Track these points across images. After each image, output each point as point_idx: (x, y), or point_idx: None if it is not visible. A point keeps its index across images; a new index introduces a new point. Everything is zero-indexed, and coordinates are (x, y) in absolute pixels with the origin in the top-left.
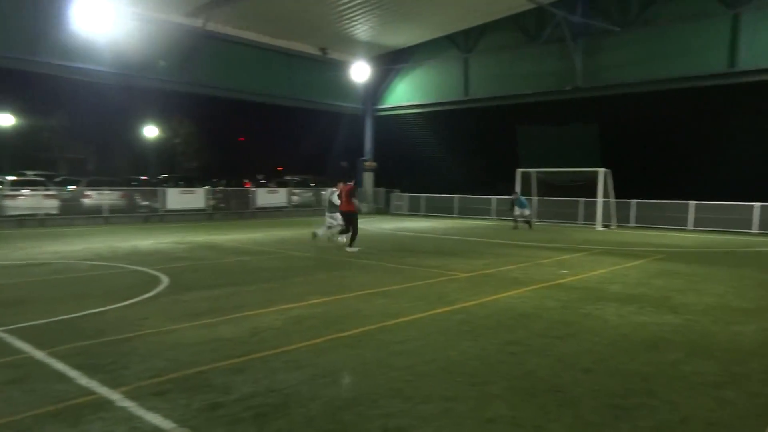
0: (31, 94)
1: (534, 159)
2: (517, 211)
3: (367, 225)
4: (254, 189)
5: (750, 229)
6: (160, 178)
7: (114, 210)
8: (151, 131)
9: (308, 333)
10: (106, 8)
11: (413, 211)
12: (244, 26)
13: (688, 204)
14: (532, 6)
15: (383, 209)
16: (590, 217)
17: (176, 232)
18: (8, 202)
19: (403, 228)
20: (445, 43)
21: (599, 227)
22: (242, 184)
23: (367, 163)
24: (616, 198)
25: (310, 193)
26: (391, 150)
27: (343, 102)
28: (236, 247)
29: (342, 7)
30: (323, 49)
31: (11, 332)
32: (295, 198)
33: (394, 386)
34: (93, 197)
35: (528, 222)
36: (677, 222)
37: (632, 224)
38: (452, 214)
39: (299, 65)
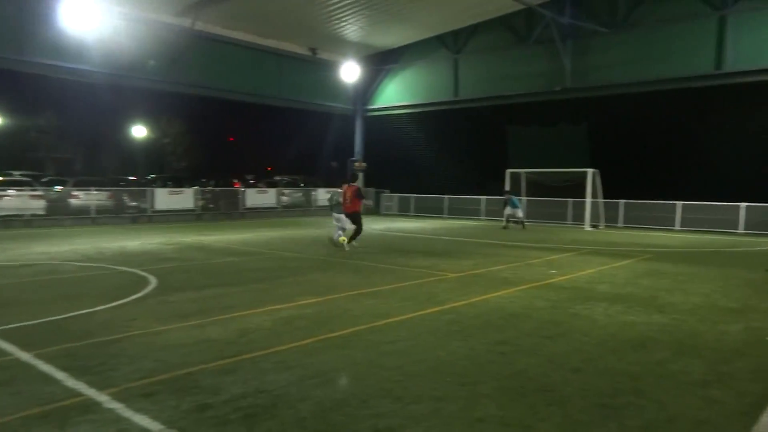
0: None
1: (523, 159)
2: (509, 210)
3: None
4: (243, 189)
5: (736, 229)
6: (148, 178)
7: (101, 210)
8: (139, 131)
9: (298, 334)
10: (94, 8)
11: (403, 212)
12: (233, 26)
13: (675, 204)
14: (521, 7)
15: (373, 209)
16: (579, 218)
17: (164, 233)
18: None
19: (393, 228)
20: (435, 43)
21: (588, 227)
22: (231, 185)
23: (357, 164)
24: (605, 198)
25: (300, 194)
26: (381, 150)
27: (333, 102)
28: (225, 247)
29: (332, 7)
30: (313, 50)
31: None
32: (284, 198)
33: (384, 386)
34: (80, 197)
35: (521, 222)
36: (665, 222)
37: (620, 224)
38: (442, 214)
39: (289, 65)
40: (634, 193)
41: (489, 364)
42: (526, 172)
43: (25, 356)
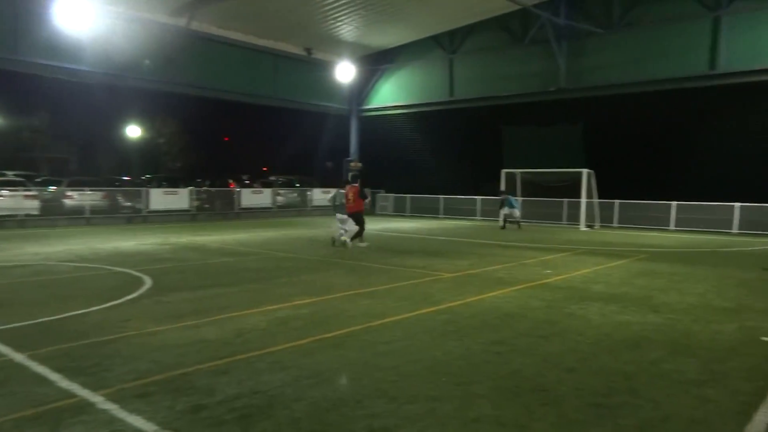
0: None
1: (519, 159)
2: (506, 210)
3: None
4: (239, 189)
5: (731, 229)
6: (143, 178)
7: (96, 211)
8: (134, 131)
9: (293, 334)
10: (88, 7)
11: (399, 212)
12: (228, 26)
13: (670, 204)
14: (516, 8)
15: (369, 210)
16: (574, 218)
17: (159, 233)
18: None
19: (389, 228)
20: (431, 43)
21: (583, 227)
22: (227, 185)
23: (352, 164)
24: (600, 198)
25: (296, 194)
26: (377, 150)
27: (328, 102)
28: (220, 248)
29: (327, 8)
30: (308, 50)
31: None
32: (280, 198)
33: (380, 387)
34: (74, 198)
35: (516, 222)
36: (659, 222)
37: (615, 224)
38: (438, 214)
39: (284, 65)
40: (629, 194)
41: (484, 364)
42: (521, 173)
43: (18, 357)
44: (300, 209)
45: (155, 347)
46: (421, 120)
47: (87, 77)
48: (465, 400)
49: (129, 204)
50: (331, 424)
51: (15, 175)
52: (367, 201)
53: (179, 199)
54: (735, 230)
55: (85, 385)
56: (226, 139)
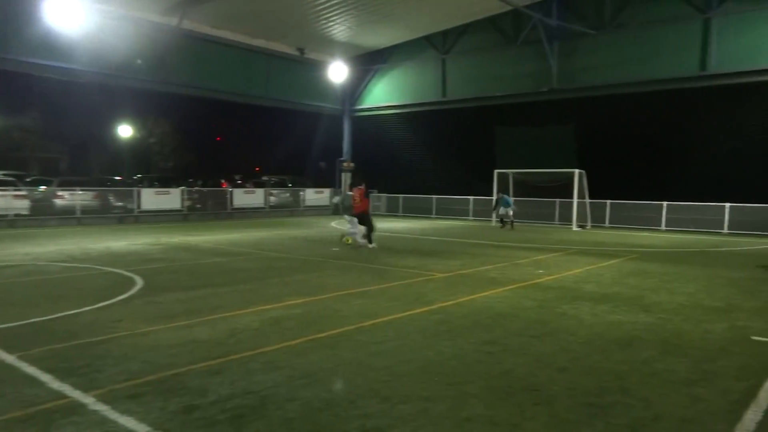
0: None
1: (511, 160)
2: (502, 210)
3: (344, 226)
4: (231, 189)
5: (721, 229)
6: (135, 178)
7: (87, 211)
8: (126, 131)
9: (286, 334)
10: (79, 6)
11: (391, 212)
12: (220, 25)
13: (661, 204)
14: (508, 8)
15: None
16: (566, 218)
17: (151, 233)
18: None
19: (382, 228)
20: (423, 44)
21: (575, 227)
22: (219, 185)
23: (345, 164)
24: (592, 199)
25: (288, 194)
26: (370, 150)
27: (321, 102)
28: (212, 248)
29: (319, 7)
30: (301, 49)
31: None
32: (272, 198)
33: (373, 387)
34: (65, 198)
35: (510, 222)
36: (651, 222)
37: (607, 224)
38: (430, 214)
39: (277, 65)
40: (621, 194)
41: (476, 364)
42: (514, 173)
43: (9, 358)
44: (292, 209)
45: (147, 348)
46: (413, 120)
47: (78, 76)
48: (457, 399)
49: (120, 204)
50: (324, 424)
51: (5, 174)
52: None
53: (171, 199)
54: (725, 230)
55: (76, 385)
56: (219, 139)
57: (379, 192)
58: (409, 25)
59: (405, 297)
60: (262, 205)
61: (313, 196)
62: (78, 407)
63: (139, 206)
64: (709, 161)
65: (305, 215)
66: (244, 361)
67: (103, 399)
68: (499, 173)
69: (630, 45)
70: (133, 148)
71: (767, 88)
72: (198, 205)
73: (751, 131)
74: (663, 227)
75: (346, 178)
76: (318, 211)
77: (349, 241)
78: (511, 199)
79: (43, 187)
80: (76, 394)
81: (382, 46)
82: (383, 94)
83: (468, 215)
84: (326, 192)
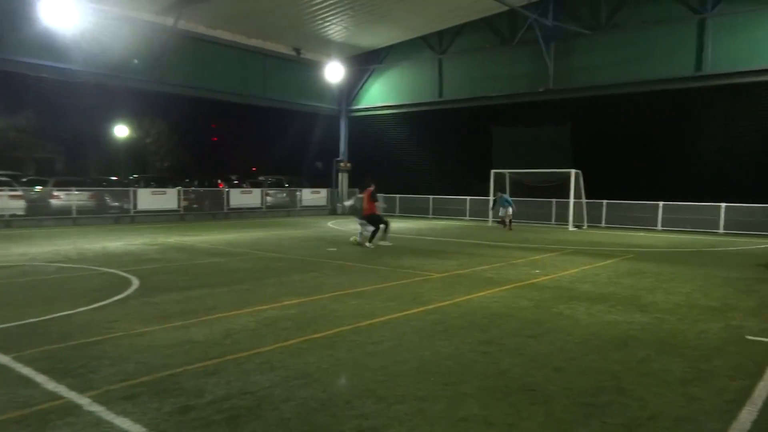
0: None
1: (507, 160)
2: (501, 212)
3: (341, 226)
4: (228, 189)
5: (717, 229)
6: (131, 178)
7: (83, 211)
8: (122, 131)
9: (282, 334)
10: (74, 5)
11: (388, 212)
12: (216, 25)
13: (657, 204)
14: (504, 9)
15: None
16: (563, 218)
17: (147, 234)
18: None
19: None
20: (419, 44)
21: (571, 227)
22: (216, 185)
23: (342, 164)
24: (588, 199)
25: (285, 194)
26: (366, 150)
27: (318, 102)
28: (209, 248)
29: (315, 8)
30: (297, 50)
31: None
32: (269, 199)
33: (369, 387)
34: (61, 198)
35: (504, 222)
36: (647, 222)
37: (603, 224)
38: (427, 214)
39: (273, 65)
40: (617, 194)
41: (473, 364)
42: (510, 173)
43: (3, 359)
44: (289, 209)
45: (143, 348)
46: (410, 120)
47: (74, 76)
48: (454, 399)
49: (116, 204)
50: (320, 424)
51: (0, 174)
52: (377, 204)
53: (167, 199)
54: (721, 230)
55: (71, 386)
56: (215, 139)
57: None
58: (405, 26)
59: (401, 297)
60: (259, 206)
61: (309, 196)
62: (73, 408)
63: (135, 206)
64: (705, 161)
65: (302, 215)
66: (240, 362)
67: (98, 400)
68: (495, 173)
69: (626, 45)
70: (130, 148)
71: (762, 89)
72: (194, 206)
73: (746, 131)
74: (659, 227)
75: (342, 178)
76: (315, 211)
77: (356, 241)
78: (511, 199)
79: (38, 188)
80: (72, 395)
81: (379, 47)
82: (380, 94)
83: (465, 215)
84: (323, 192)
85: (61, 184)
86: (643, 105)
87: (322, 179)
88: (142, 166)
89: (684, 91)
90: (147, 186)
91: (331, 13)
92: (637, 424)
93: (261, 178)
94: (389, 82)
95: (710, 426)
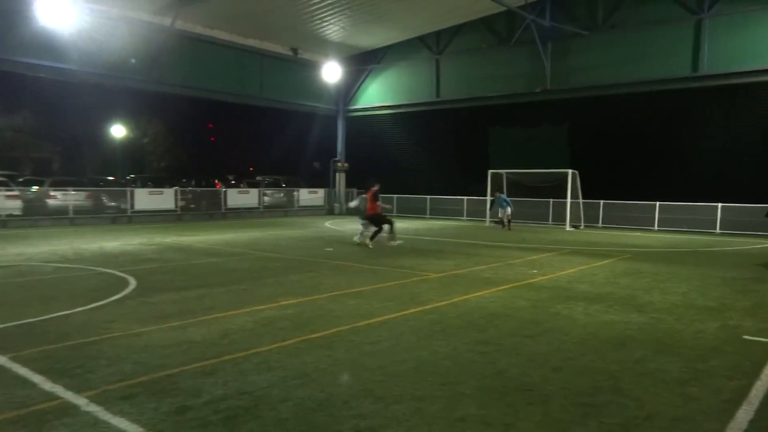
0: None
1: (505, 160)
2: (500, 212)
3: (339, 226)
4: (225, 189)
5: (714, 229)
6: (128, 178)
7: (80, 211)
8: (119, 131)
9: (279, 334)
10: (71, 5)
11: (385, 212)
12: (214, 25)
13: (654, 205)
14: (501, 9)
15: (355, 210)
16: (560, 218)
17: (144, 234)
18: None
19: None
20: (417, 44)
21: (568, 228)
22: (213, 185)
23: (339, 164)
24: (585, 199)
25: (282, 194)
26: (364, 151)
27: (315, 102)
28: (206, 248)
29: (313, 8)
30: (294, 50)
31: None
32: (266, 199)
33: (366, 387)
34: (58, 198)
35: (502, 222)
36: (644, 222)
37: (600, 225)
38: (424, 214)
39: (271, 65)
40: (614, 194)
41: (470, 364)
42: (507, 173)
43: (1, 359)
44: (287, 209)
45: (140, 348)
46: (407, 120)
47: (71, 76)
48: (451, 399)
49: (114, 204)
50: (318, 424)
51: None
52: (379, 203)
53: (164, 199)
54: (718, 230)
55: (68, 387)
56: (212, 139)
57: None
58: (402, 26)
59: (399, 297)
60: (256, 206)
61: (307, 196)
62: (70, 408)
63: (132, 206)
64: (702, 161)
65: (299, 215)
66: (237, 362)
67: (95, 400)
68: (492, 173)
69: (622, 46)
70: (127, 148)
71: (759, 89)
72: (192, 206)
73: (745, 131)
74: (656, 227)
75: (340, 178)
76: (312, 211)
77: (357, 241)
78: (509, 200)
79: (35, 188)
80: (69, 395)
81: (376, 47)
82: (377, 94)
83: (462, 215)
84: (320, 192)
85: (58, 184)
86: (641, 105)
87: (319, 179)
88: (140, 166)
89: (681, 91)
90: (144, 186)
91: (328, 13)
92: (635, 424)
93: (258, 178)
94: (387, 83)
95: (707, 426)
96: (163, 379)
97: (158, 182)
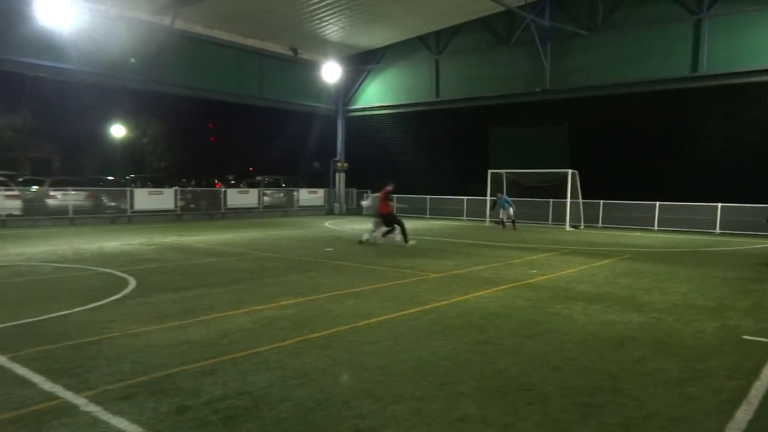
0: None
1: (504, 160)
2: (502, 213)
3: (338, 226)
4: (225, 189)
5: (714, 229)
6: (128, 178)
7: (80, 211)
8: (119, 131)
9: (279, 334)
10: (71, 5)
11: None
12: (213, 25)
13: (654, 205)
14: (501, 9)
15: (355, 210)
16: (560, 218)
17: (144, 234)
18: None
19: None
20: (416, 44)
21: (568, 228)
22: (213, 185)
23: (339, 164)
24: (585, 199)
25: (282, 194)
26: (363, 150)
27: (315, 102)
28: (206, 248)
29: (313, 7)
30: (294, 49)
31: None
32: (266, 199)
33: (366, 387)
34: (58, 198)
35: (501, 222)
36: (643, 222)
37: (600, 225)
38: (424, 214)
39: (271, 65)
40: (614, 194)
41: (470, 364)
42: (507, 173)
43: (0, 359)
44: (286, 209)
45: (139, 348)
46: (407, 120)
47: (71, 76)
48: (450, 399)
49: (113, 204)
50: (318, 424)
51: None
52: (391, 204)
53: (164, 199)
54: (717, 230)
55: (68, 386)
56: (212, 139)
57: (373, 192)
58: (402, 26)
59: (398, 297)
60: (256, 206)
61: (307, 196)
62: (70, 408)
63: (132, 206)
64: (702, 161)
65: (299, 215)
66: (236, 362)
67: (95, 400)
68: (492, 173)
69: (622, 46)
70: (126, 147)
71: (758, 89)
72: (191, 206)
73: (745, 131)
74: (656, 227)
75: (339, 178)
76: (312, 211)
77: (364, 239)
78: (510, 200)
79: (35, 187)
80: (68, 395)
81: (376, 47)
82: (377, 94)
83: (462, 215)
84: (320, 192)
85: (58, 184)
86: (640, 105)
87: (319, 179)
88: (139, 165)
89: (681, 91)
90: (144, 186)
91: (328, 13)
92: (634, 424)
93: (258, 178)
94: (386, 82)
95: (706, 425)
96: (162, 379)
97: (158, 182)
